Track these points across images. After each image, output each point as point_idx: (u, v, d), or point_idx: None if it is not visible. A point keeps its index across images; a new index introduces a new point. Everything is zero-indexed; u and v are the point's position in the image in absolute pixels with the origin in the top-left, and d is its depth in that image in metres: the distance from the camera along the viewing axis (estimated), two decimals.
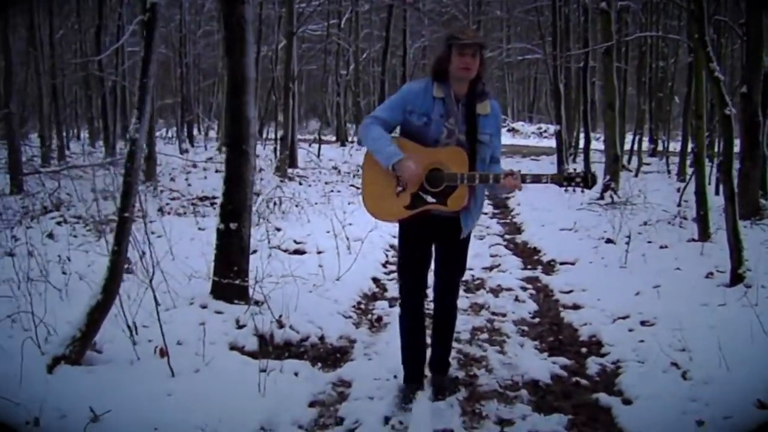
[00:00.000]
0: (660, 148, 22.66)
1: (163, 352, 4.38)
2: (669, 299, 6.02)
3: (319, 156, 21.30)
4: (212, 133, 32.68)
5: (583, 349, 5.24)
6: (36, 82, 15.90)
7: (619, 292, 6.39)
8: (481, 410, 4.10)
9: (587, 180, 3.98)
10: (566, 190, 4.64)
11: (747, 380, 4.17)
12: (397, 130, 4.15)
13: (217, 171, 16.04)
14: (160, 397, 3.94)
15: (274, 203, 10.45)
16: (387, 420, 3.91)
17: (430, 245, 4.22)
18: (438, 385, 4.29)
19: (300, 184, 14.79)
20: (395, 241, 5.32)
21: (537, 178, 4.01)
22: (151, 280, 4.60)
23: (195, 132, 31.73)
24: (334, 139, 30.97)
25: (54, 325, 4.59)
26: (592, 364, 4.89)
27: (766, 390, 4.01)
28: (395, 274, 6.41)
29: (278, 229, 8.99)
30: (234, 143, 5.50)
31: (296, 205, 10.66)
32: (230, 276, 5.35)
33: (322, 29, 27.50)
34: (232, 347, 4.85)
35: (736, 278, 6.38)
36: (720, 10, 14.21)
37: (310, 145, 23.42)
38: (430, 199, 3.96)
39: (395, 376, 4.39)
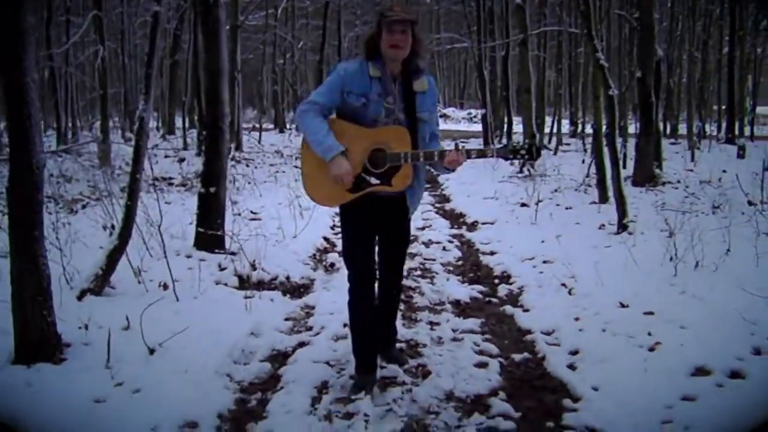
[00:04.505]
0: (580, 129, 24.38)
1: (167, 286, 5.58)
2: (567, 245, 7.39)
3: (260, 142, 22.38)
4: (152, 123, 33.31)
5: (496, 281, 6.62)
6: None
7: (527, 242, 7.80)
8: (416, 317, 5.44)
9: (532, 152, 3.87)
10: (512, 164, 4.18)
11: (615, 292, 5.59)
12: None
13: (166, 156, 17.06)
14: (172, 315, 5.10)
15: (229, 181, 11.59)
16: (345, 325, 5.14)
17: (375, 228, 4.08)
18: (388, 357, 4.45)
19: (247, 166, 15.90)
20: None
21: (482, 153, 3.93)
22: (159, 226, 5.80)
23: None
24: (272, 126, 32.00)
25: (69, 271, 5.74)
26: (502, 289, 6.26)
27: (625, 296, 5.43)
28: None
29: (234, 203, 10.13)
30: (212, 122, 6.72)
31: (248, 183, 11.83)
32: (214, 227, 6.56)
33: (258, 20, 28.47)
34: (218, 283, 6.06)
35: (622, 227, 7.85)
36: (624, 5, 15.86)
37: (249, 132, 24.43)
38: (373, 180, 3.85)
39: None
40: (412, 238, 8.28)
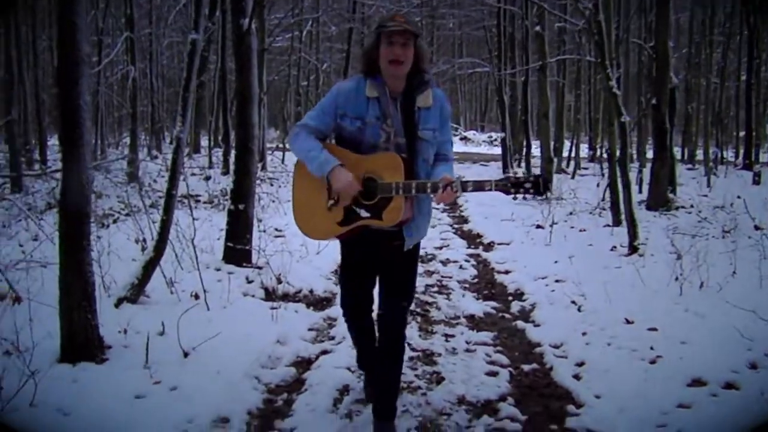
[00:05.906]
0: (599, 154, 24.62)
1: (198, 296, 5.94)
2: (579, 265, 7.69)
3: (283, 162, 22.86)
4: None
5: (510, 298, 6.91)
6: (21, 92, 17.16)
7: (541, 261, 8.10)
8: (432, 329, 5.75)
9: (538, 185, 3.32)
10: (515, 197, 3.43)
11: (622, 309, 5.88)
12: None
13: (192, 174, 17.51)
14: (203, 322, 5.45)
15: (255, 199, 11.99)
16: None
17: (372, 262, 3.70)
18: None
19: (271, 185, 16.33)
20: None
21: (480, 185, 3.39)
22: (193, 240, 6.17)
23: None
24: None
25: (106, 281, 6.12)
26: (515, 306, 6.56)
27: (631, 313, 5.73)
28: None
29: (260, 220, 10.51)
30: (241, 143, 7.11)
31: (273, 201, 12.22)
32: (242, 242, 6.92)
33: (283, 42, 29.03)
34: (245, 294, 6.41)
35: (632, 249, 8.13)
36: (640, 33, 16.23)
37: (273, 152, 24.93)
38: (364, 213, 3.46)
39: None
40: (429, 256, 8.74)
